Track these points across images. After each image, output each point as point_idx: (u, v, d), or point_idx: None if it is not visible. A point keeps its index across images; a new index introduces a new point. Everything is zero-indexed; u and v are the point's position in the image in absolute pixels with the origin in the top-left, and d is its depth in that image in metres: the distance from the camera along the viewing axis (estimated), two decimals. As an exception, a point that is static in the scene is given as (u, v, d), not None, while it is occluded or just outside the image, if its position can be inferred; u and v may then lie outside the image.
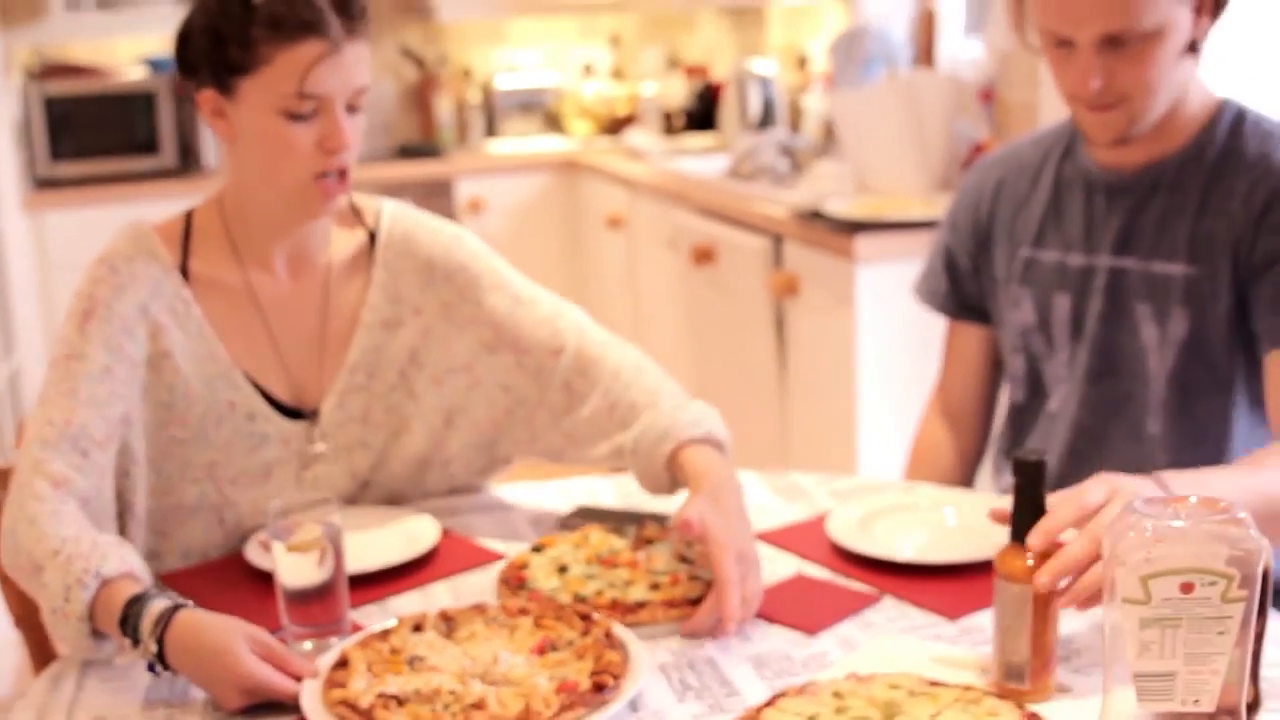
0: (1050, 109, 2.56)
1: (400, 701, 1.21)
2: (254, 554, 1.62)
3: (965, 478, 2.00)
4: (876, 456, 2.83)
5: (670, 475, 1.63)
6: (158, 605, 1.34)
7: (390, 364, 1.76)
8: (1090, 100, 1.64)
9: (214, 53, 1.59)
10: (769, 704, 1.19)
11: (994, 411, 1.96)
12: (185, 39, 1.63)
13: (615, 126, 5.23)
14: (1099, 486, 1.25)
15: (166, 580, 1.60)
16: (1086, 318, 1.76)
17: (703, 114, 4.84)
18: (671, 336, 3.94)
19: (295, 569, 1.40)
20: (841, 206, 2.91)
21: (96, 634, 1.40)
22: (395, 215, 1.79)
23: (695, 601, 1.43)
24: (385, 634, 1.35)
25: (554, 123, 5.40)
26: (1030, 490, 1.22)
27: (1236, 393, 1.68)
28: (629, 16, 5.47)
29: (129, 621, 1.35)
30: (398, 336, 1.76)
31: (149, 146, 4.71)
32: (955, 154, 3.02)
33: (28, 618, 1.86)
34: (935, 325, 2.13)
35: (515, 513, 1.79)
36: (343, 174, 1.63)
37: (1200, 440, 1.69)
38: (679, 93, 5.00)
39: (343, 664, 1.29)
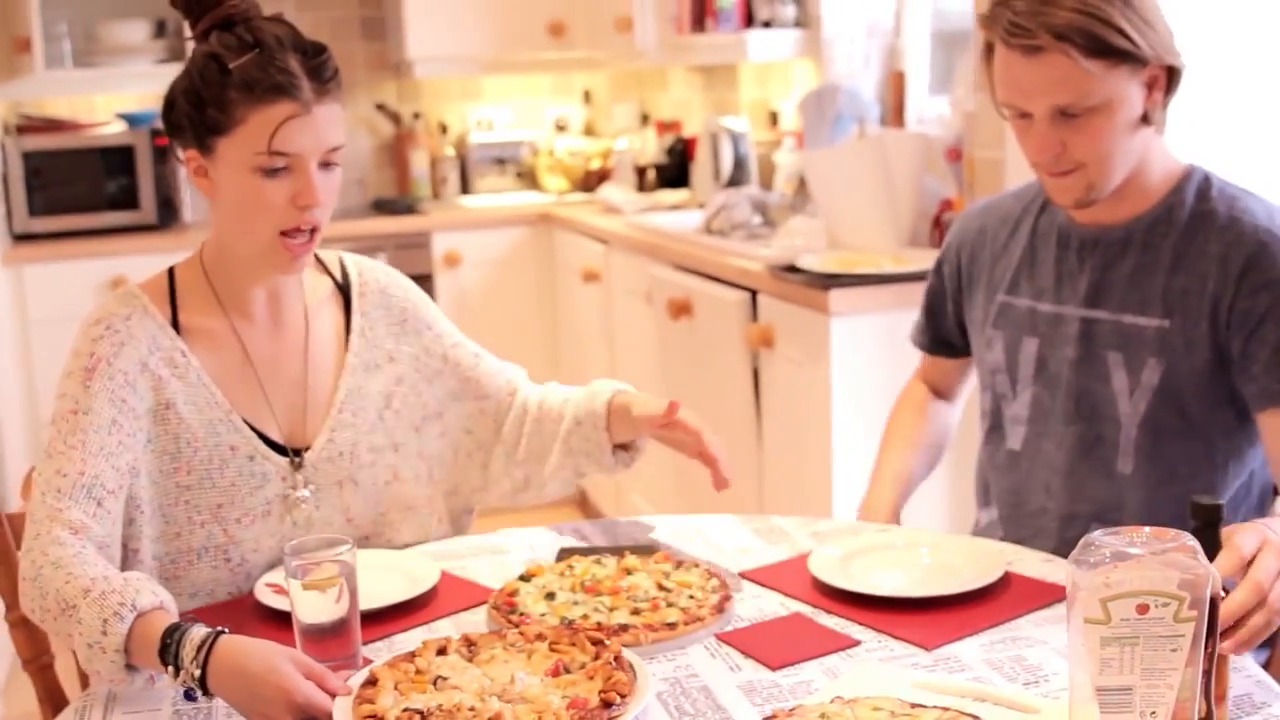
0: (1015, 167, 2.68)
1: (424, 716, 1.30)
2: (264, 595, 1.70)
3: (945, 428, 2.17)
4: (851, 504, 2.91)
5: (610, 436, 1.88)
6: (198, 633, 1.42)
7: (370, 404, 1.87)
8: (1048, 167, 1.76)
9: (195, 114, 1.70)
10: None
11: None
12: (171, 103, 1.74)
13: (589, 182, 5.35)
14: (1250, 535, 1.33)
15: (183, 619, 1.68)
16: (1052, 362, 1.86)
17: (676, 169, 4.95)
18: (647, 387, 4.03)
19: (312, 606, 1.47)
20: (816, 261, 3.02)
21: (130, 666, 1.47)
22: (362, 266, 1.93)
23: (673, 625, 1.55)
24: (411, 655, 1.44)
25: (528, 178, 5.51)
26: (1208, 531, 1.29)
27: (1206, 437, 1.79)
28: (601, 74, 5.60)
29: (169, 649, 1.42)
30: (375, 379, 1.88)
31: (129, 201, 4.76)
32: (924, 210, 3.14)
33: (36, 659, 1.93)
34: (908, 375, 2.23)
35: (509, 555, 1.88)
36: (313, 232, 1.72)
37: (1171, 480, 1.79)
38: (652, 148, 5.12)
39: (372, 682, 1.38)
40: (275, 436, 1.81)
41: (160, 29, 4.84)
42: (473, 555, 1.88)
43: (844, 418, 2.89)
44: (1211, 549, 1.28)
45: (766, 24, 4.08)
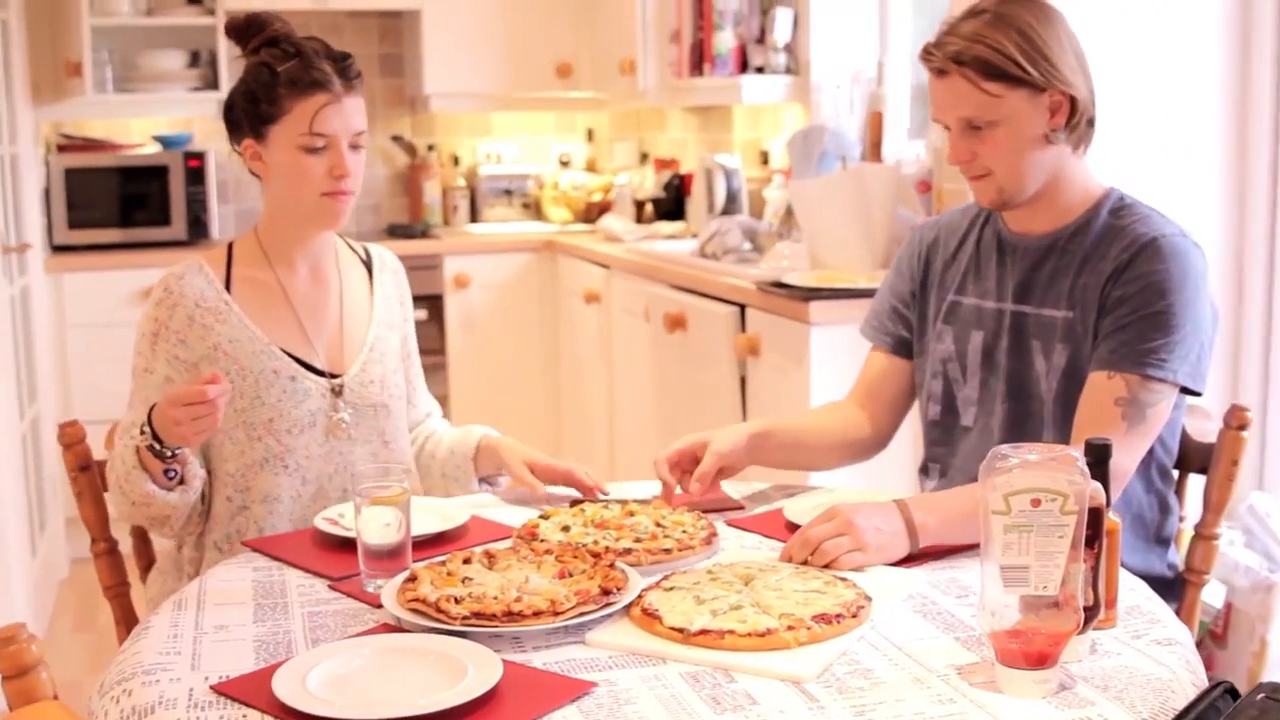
0: (976, 197, 3.00)
1: (458, 600, 1.60)
2: (322, 525, 2.02)
3: (864, 445, 2.34)
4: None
5: (476, 468, 2.34)
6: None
7: (391, 352, 2.32)
8: (964, 171, 2.11)
9: (250, 109, 2.17)
10: (665, 579, 1.70)
11: (898, 421, 2.35)
12: (231, 105, 2.21)
13: (590, 213, 5.69)
14: (832, 523, 1.82)
15: (257, 547, 2.00)
16: (996, 352, 2.18)
17: (673, 203, 5.29)
18: (643, 395, 4.36)
19: (375, 529, 1.76)
20: (798, 278, 3.36)
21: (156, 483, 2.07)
22: (380, 252, 2.41)
23: (668, 550, 1.85)
24: (443, 563, 1.75)
25: (533, 209, 5.86)
26: (1099, 466, 1.54)
27: None
28: (603, 114, 5.95)
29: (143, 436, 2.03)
30: (392, 336, 2.34)
31: (161, 218, 5.09)
32: (897, 236, 3.46)
33: (116, 585, 2.25)
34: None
35: (530, 506, 2.19)
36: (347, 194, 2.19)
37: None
38: (650, 183, 5.46)
39: (412, 579, 1.69)
40: (316, 364, 2.23)
41: (195, 59, 5.18)
42: (497, 505, 2.19)
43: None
44: (1103, 480, 1.60)
45: (760, 70, 4.43)
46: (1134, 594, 1.73)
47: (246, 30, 2.19)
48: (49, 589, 4.43)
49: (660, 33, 4.87)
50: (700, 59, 4.61)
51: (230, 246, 2.27)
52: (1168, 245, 2.03)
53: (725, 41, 4.48)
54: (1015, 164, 2.06)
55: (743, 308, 3.53)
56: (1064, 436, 2.09)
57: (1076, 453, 1.42)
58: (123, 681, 1.52)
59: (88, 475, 2.21)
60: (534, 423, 5.38)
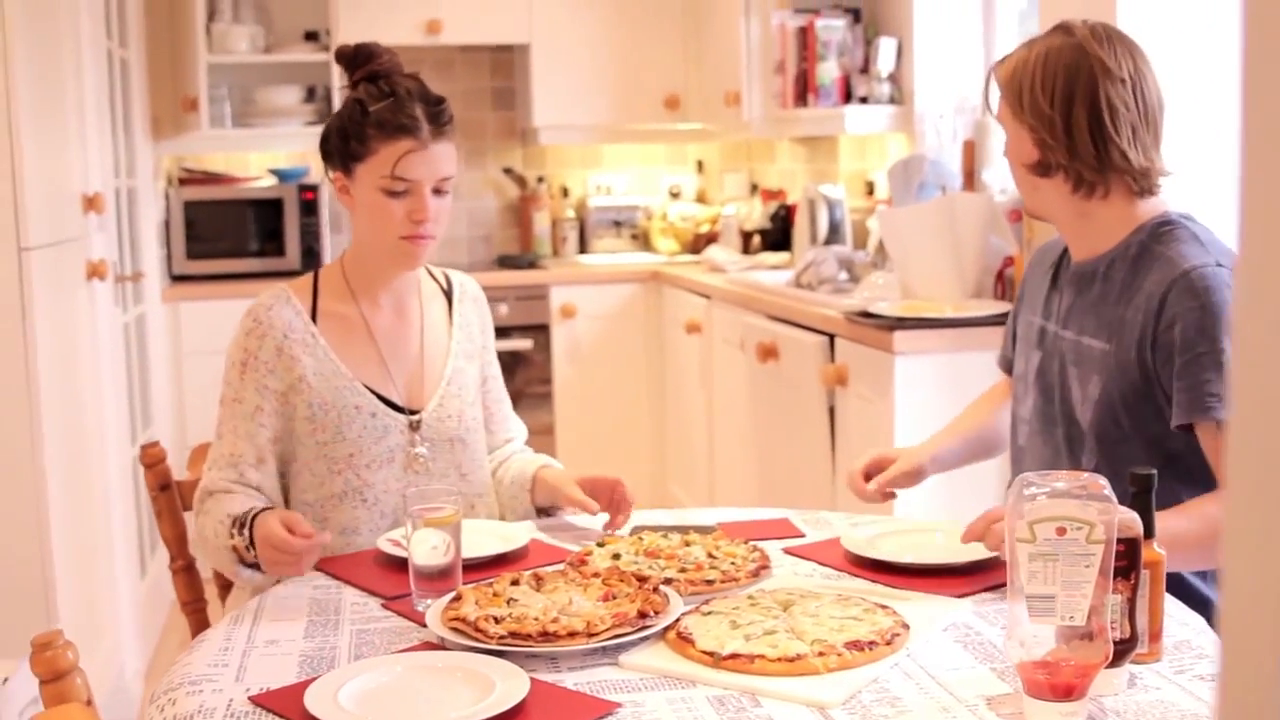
0: (1065, 227, 2.96)
1: (498, 620, 1.63)
2: (385, 546, 2.06)
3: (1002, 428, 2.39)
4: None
5: (533, 498, 2.32)
6: (242, 515, 2.02)
7: (470, 384, 2.33)
8: None
9: (341, 145, 2.19)
10: (705, 603, 1.71)
11: None
12: (326, 136, 2.24)
13: (697, 244, 5.71)
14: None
15: (325, 565, 2.05)
16: (1047, 373, 2.16)
17: (779, 234, 5.28)
18: (740, 424, 4.36)
19: (424, 550, 1.81)
20: (885, 307, 3.34)
21: (244, 563, 2.03)
22: (461, 277, 2.42)
23: (711, 582, 1.84)
24: (491, 583, 1.77)
25: (642, 239, 5.90)
26: (1143, 496, 1.55)
27: (1141, 444, 2.01)
28: (713, 145, 5.98)
29: (236, 533, 2.02)
30: (471, 366, 2.35)
31: (276, 249, 5.23)
32: (989, 266, 3.43)
33: (194, 602, 2.31)
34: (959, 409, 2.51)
35: (591, 533, 2.21)
36: (428, 238, 2.20)
37: (1123, 478, 2.05)
38: (757, 214, 5.47)
39: (457, 599, 1.72)
40: (395, 399, 2.25)
41: (310, 94, 5.32)
42: (558, 529, 2.22)
43: (905, 444, 3.17)
44: (1146, 511, 1.56)
45: (863, 100, 4.42)
46: (1186, 628, 1.69)
47: (354, 60, 2.21)
48: (160, 608, 4.55)
49: (765, 64, 4.89)
50: (804, 90, 4.61)
51: (316, 276, 2.29)
52: (1199, 278, 1.95)
53: (829, 72, 4.49)
54: (1015, 178, 2.13)
55: (832, 338, 3.52)
56: (1105, 464, 2.04)
57: (1103, 481, 1.40)
58: (170, 691, 1.57)
59: (167, 495, 2.29)
60: (638, 452, 5.41)
